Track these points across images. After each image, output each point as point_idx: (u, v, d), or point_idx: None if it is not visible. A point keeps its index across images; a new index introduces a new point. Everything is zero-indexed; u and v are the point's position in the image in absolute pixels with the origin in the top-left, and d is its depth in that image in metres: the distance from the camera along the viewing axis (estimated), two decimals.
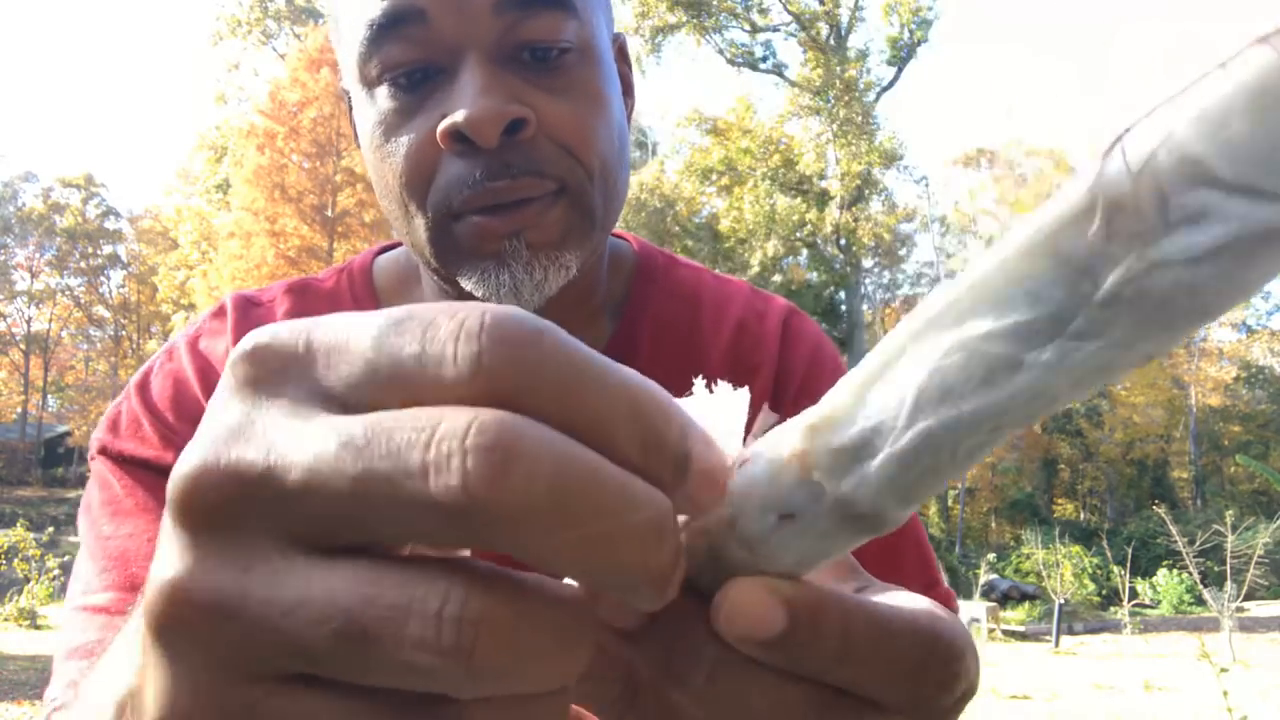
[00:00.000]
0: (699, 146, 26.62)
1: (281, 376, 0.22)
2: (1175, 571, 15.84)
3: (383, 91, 0.63)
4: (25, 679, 7.42)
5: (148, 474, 0.66)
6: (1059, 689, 8.30)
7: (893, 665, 0.25)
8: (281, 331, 0.23)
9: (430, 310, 0.21)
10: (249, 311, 0.75)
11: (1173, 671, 8.93)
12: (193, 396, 0.70)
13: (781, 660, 0.24)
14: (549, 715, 0.22)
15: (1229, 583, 11.32)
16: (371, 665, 0.20)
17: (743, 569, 0.24)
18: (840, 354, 0.80)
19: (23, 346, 34.92)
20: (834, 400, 0.23)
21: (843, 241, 24.57)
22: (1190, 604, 15.47)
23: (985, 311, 0.20)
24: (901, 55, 25.37)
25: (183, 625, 0.21)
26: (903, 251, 31.68)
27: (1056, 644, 12.04)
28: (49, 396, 36.37)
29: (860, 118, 24.16)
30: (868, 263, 27.79)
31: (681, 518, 0.24)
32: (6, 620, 10.78)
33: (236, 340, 0.72)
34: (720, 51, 25.83)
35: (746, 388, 0.27)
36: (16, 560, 11.91)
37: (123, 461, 0.67)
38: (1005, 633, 13.13)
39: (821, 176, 24.80)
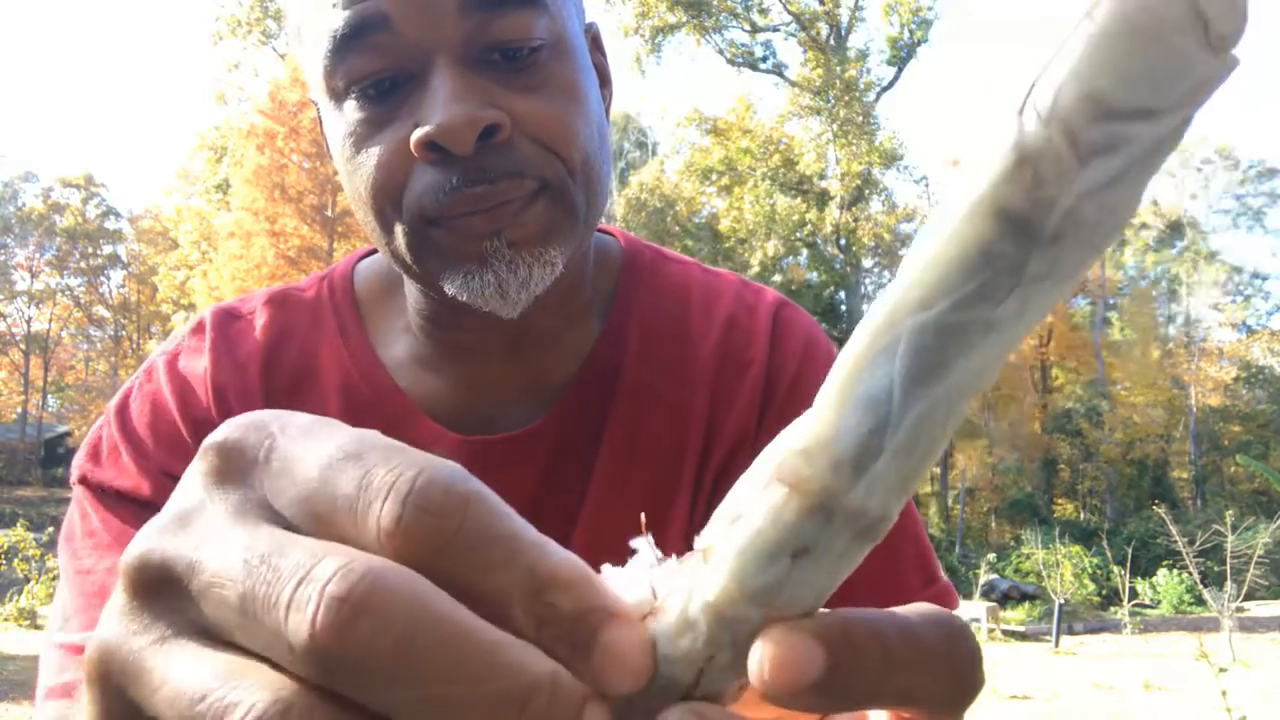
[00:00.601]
0: (699, 146, 26.61)
1: (238, 478, 0.25)
2: (1175, 571, 15.83)
3: (351, 104, 0.61)
4: (25, 679, 7.43)
5: (126, 505, 0.66)
6: (1059, 689, 8.29)
7: (932, 661, 0.25)
8: (250, 435, 0.25)
9: (375, 455, 0.23)
10: (228, 326, 0.74)
11: (1173, 671, 8.92)
12: (170, 420, 0.69)
13: (838, 696, 0.23)
14: None
15: (1229, 583, 11.31)
16: None
17: (759, 628, 0.23)
18: (834, 346, 0.79)
19: (23, 346, 34.90)
20: (817, 419, 0.23)
21: (843, 241, 24.58)
22: (1190, 604, 15.47)
23: (947, 284, 0.21)
24: (901, 55, 25.37)
25: (103, 681, 0.24)
26: (903, 251, 31.58)
27: (1056, 644, 12.04)
28: (49, 396, 36.37)
29: (860, 118, 24.16)
30: (868, 263, 27.79)
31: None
32: (6, 620, 10.78)
33: (214, 359, 0.71)
34: (720, 51, 25.83)
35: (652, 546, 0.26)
36: (16, 560, 11.91)
37: (102, 492, 0.67)
38: (1005, 633, 13.12)
39: (821, 176, 24.79)
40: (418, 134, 0.58)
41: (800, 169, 24.92)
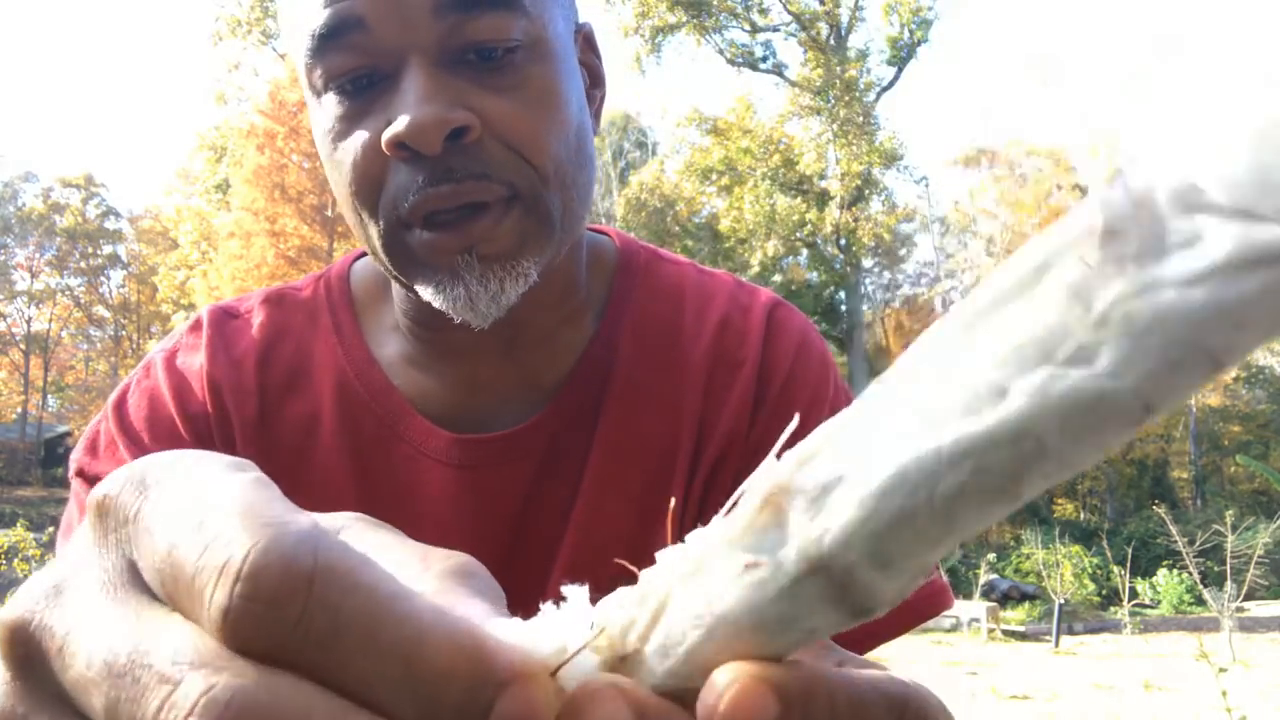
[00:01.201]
0: (699, 146, 26.59)
1: (113, 538, 0.23)
2: (1175, 571, 15.82)
3: (330, 99, 0.62)
4: None
5: None
6: (1059, 689, 8.29)
7: None
8: (125, 491, 0.23)
9: (216, 524, 0.21)
10: (225, 325, 0.74)
11: (1173, 671, 8.92)
12: (168, 416, 0.69)
13: None
14: None
15: (1229, 583, 11.31)
16: None
17: (694, 628, 0.22)
18: (828, 346, 0.79)
19: (23, 346, 34.89)
20: (811, 439, 0.22)
21: (843, 241, 24.57)
22: (1190, 604, 15.45)
23: (974, 339, 0.20)
24: (901, 55, 25.37)
25: None
26: (903, 251, 31.67)
27: (1056, 644, 12.04)
28: (49, 396, 36.36)
29: (860, 118, 24.15)
30: (868, 263, 27.79)
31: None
32: None
33: (211, 356, 0.72)
34: (720, 51, 25.83)
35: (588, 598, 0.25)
36: (16, 560, 11.92)
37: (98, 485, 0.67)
38: (1005, 633, 13.12)
39: (821, 176, 24.78)
40: (387, 134, 0.59)
41: (800, 169, 24.91)
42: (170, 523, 0.22)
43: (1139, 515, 22.48)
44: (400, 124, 0.58)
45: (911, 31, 25.17)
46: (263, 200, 19.88)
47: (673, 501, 0.70)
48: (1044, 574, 14.54)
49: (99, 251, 35.78)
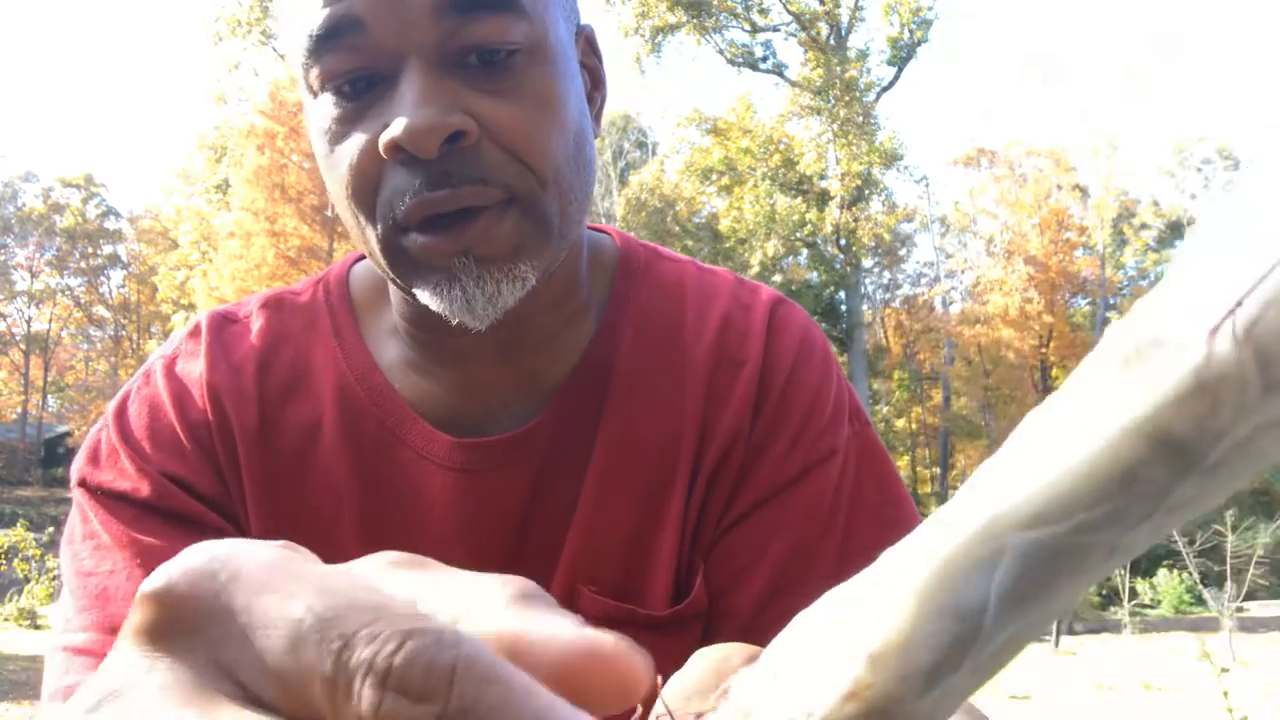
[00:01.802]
0: (699, 146, 26.59)
1: (182, 639, 0.20)
2: (1175, 571, 15.83)
3: (326, 99, 0.62)
4: (25, 679, 7.43)
5: (126, 507, 0.66)
6: (1059, 689, 8.29)
7: None
8: (198, 584, 0.21)
9: (352, 620, 0.19)
10: (224, 330, 0.74)
11: (1173, 671, 8.92)
12: (168, 424, 0.69)
13: None
14: None
15: (1229, 583, 11.31)
16: None
17: None
18: (831, 346, 0.78)
19: (23, 346, 34.89)
20: (892, 621, 0.20)
21: (843, 241, 24.56)
22: (1190, 604, 15.46)
23: (1074, 504, 0.19)
24: (901, 55, 25.35)
25: None
26: (903, 251, 31.68)
27: (1056, 644, 12.04)
28: (49, 396, 36.35)
29: (860, 118, 24.13)
30: (868, 263, 27.78)
31: None
32: (6, 620, 10.79)
33: (210, 363, 0.71)
34: (720, 51, 25.81)
35: None
36: (16, 560, 11.92)
37: (101, 494, 0.67)
38: None
39: (821, 176, 24.77)
40: (384, 137, 0.58)
41: (800, 169, 24.89)
42: (284, 621, 0.20)
43: None
44: (397, 127, 0.58)
45: (911, 31, 25.16)
46: (263, 200, 19.88)
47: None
48: None
49: (99, 251, 35.78)
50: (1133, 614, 13.75)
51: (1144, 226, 32.00)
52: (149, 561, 0.63)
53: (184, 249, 29.42)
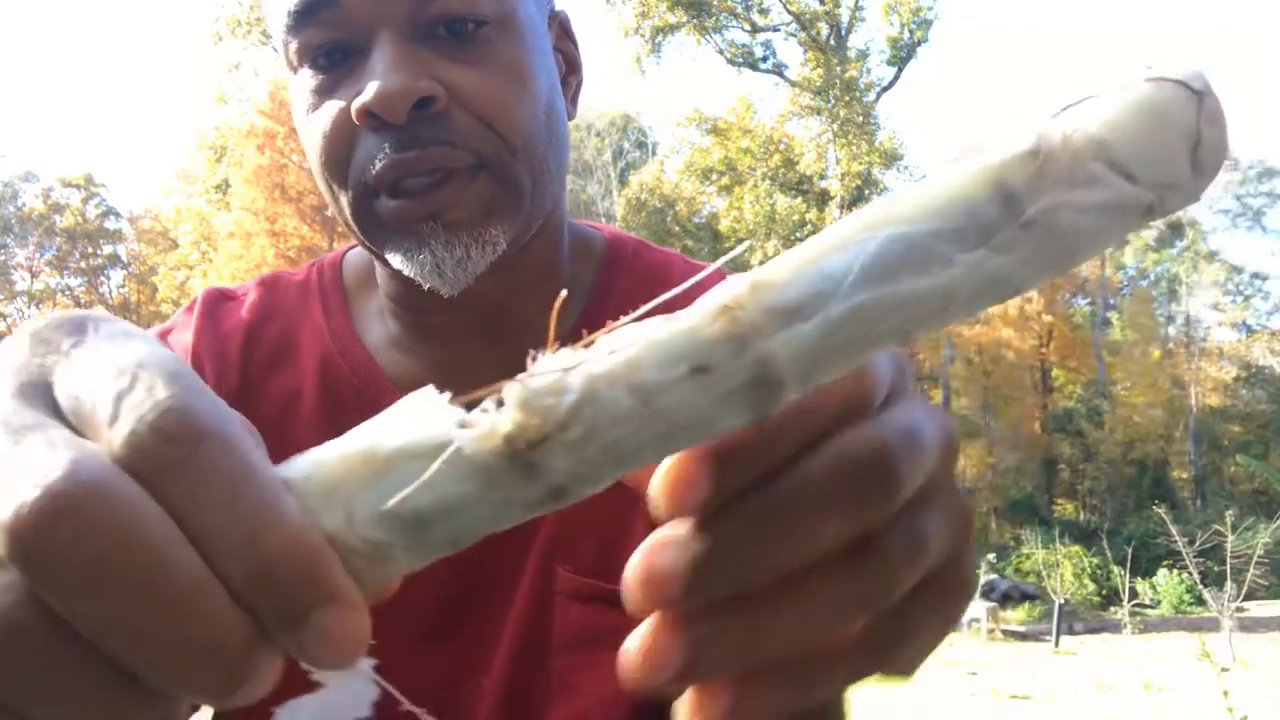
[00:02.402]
0: (699, 146, 26.61)
1: (39, 360, 0.26)
2: (1175, 571, 15.81)
3: (304, 73, 0.64)
4: None
5: None
6: (1059, 689, 8.29)
7: (833, 403, 0.25)
8: (66, 326, 0.26)
9: (148, 377, 0.23)
10: (218, 305, 0.77)
11: (1173, 671, 8.92)
12: None
13: (728, 524, 0.25)
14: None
15: (1229, 583, 11.31)
16: None
17: (624, 421, 0.23)
18: None
19: None
20: (775, 267, 0.24)
21: None
22: (1190, 604, 15.45)
23: (932, 216, 0.24)
24: (901, 55, 25.35)
25: None
26: None
27: (1056, 644, 12.04)
28: None
29: (860, 118, 24.15)
30: None
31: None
32: None
33: (198, 333, 0.74)
34: (720, 51, 25.81)
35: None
36: None
37: None
38: (1005, 633, 13.12)
39: (822, 176, 24.78)
40: (355, 103, 0.60)
41: (800, 169, 24.91)
42: (103, 365, 0.24)
43: (1139, 515, 22.47)
44: (368, 93, 0.59)
45: (911, 31, 25.16)
46: (263, 200, 19.89)
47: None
48: (1044, 574, 14.55)
49: (99, 251, 35.79)
50: (1133, 614, 13.75)
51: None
52: None
53: (184, 249, 29.46)
